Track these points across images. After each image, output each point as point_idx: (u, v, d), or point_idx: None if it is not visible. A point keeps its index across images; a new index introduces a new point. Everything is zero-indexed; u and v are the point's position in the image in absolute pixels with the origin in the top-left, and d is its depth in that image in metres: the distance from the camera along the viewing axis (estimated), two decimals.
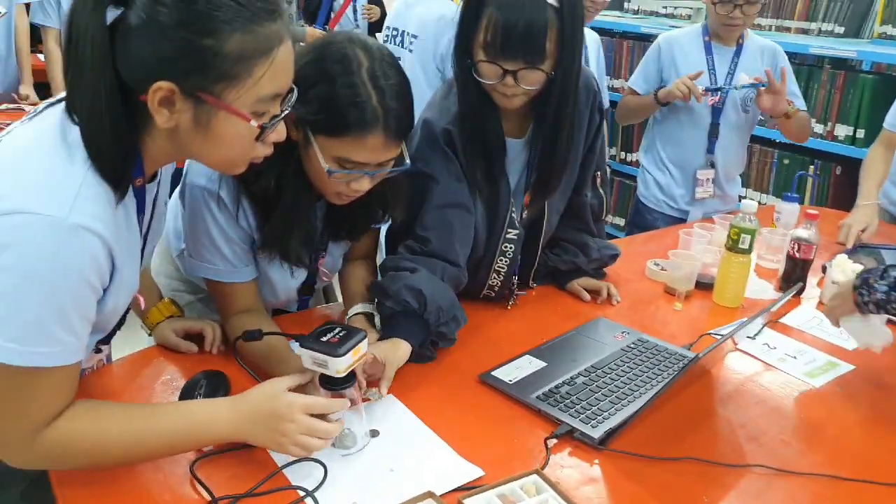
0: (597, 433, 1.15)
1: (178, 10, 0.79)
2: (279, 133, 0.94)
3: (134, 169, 0.90)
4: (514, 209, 1.46)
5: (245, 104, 0.86)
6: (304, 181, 1.17)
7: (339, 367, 1.03)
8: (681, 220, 2.49)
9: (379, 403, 1.20)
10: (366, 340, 1.08)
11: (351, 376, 1.08)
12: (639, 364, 1.38)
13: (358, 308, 1.34)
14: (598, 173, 1.62)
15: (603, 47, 2.89)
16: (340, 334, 1.05)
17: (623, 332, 1.51)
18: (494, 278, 1.53)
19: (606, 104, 2.73)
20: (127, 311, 1.09)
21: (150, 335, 1.33)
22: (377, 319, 1.34)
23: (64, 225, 0.79)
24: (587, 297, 1.66)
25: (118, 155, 0.85)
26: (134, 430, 0.94)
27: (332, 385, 1.06)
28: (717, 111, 2.39)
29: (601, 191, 1.65)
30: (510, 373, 1.32)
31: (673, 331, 1.57)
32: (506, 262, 1.51)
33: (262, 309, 1.32)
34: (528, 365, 1.36)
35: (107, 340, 1.15)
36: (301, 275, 1.35)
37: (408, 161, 1.20)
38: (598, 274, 1.73)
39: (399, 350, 1.23)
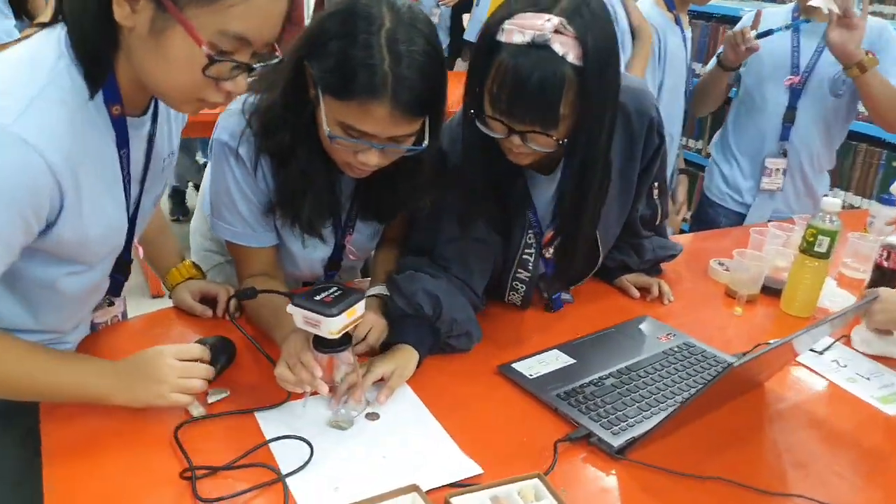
0: (616, 441, 1.04)
1: None
2: (237, 84, 0.86)
3: (107, 88, 0.87)
4: (528, 250, 1.32)
5: (205, 29, 0.80)
6: (318, 144, 1.11)
7: (331, 327, 0.96)
8: (744, 217, 2.27)
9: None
10: (363, 302, 1.01)
11: (346, 339, 1.02)
12: (679, 370, 1.24)
13: (374, 290, 1.27)
14: (656, 184, 1.47)
15: (696, 32, 2.67)
16: (336, 294, 0.99)
17: (669, 334, 1.37)
18: (513, 295, 1.41)
19: None
20: (129, 260, 1.08)
21: (169, 297, 1.31)
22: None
23: (6, 132, 0.78)
24: (636, 293, 1.53)
25: (99, 45, 0.83)
26: (25, 371, 0.94)
27: (326, 347, 1.01)
28: (795, 93, 2.11)
29: (657, 201, 1.50)
30: (532, 367, 1.22)
31: (728, 337, 1.42)
32: (518, 297, 1.39)
33: (279, 276, 1.28)
34: (554, 360, 1.25)
35: (116, 292, 1.14)
36: (322, 248, 1.30)
37: (425, 142, 1.09)
38: (652, 271, 1.59)
39: (409, 364, 1.13)
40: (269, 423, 1.03)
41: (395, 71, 0.98)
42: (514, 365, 1.22)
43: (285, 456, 0.97)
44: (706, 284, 1.64)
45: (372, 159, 1.06)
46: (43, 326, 1.03)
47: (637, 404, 1.13)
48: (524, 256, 1.33)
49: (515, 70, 1.00)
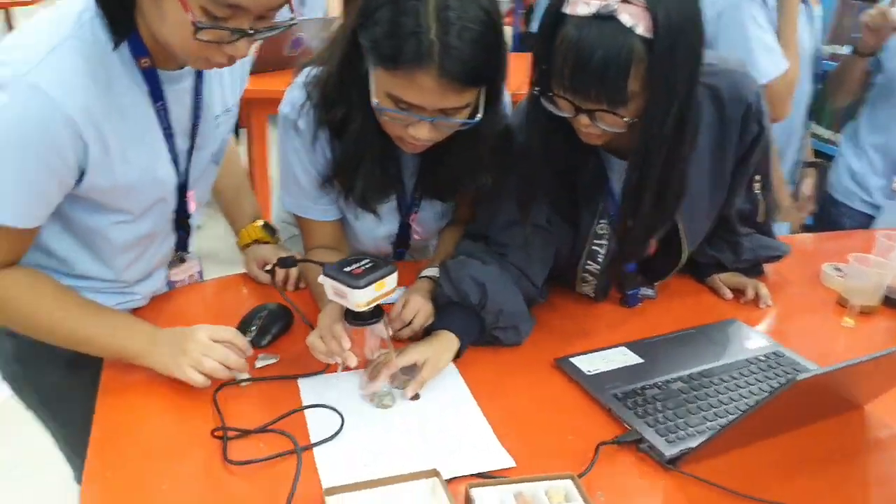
0: (670, 449, 0.95)
1: None
2: (237, 48, 0.87)
3: (131, 46, 0.91)
4: (598, 240, 1.22)
5: None
6: (373, 117, 1.08)
7: (358, 299, 0.95)
8: (871, 219, 2.01)
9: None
10: (394, 275, 0.98)
11: (377, 312, 1.00)
12: (760, 381, 1.11)
13: (427, 272, 1.23)
14: (758, 177, 1.32)
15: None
16: (367, 265, 0.97)
17: (758, 341, 1.23)
18: (584, 287, 1.32)
19: None
20: (187, 215, 1.13)
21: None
22: None
23: (23, 81, 0.82)
24: (728, 294, 1.39)
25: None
26: (61, 318, 0.99)
27: (356, 319, 0.99)
28: None
29: (758, 195, 1.35)
30: (593, 363, 1.14)
31: (831, 350, 1.26)
32: (589, 288, 1.30)
33: (343, 250, 1.28)
34: (619, 357, 1.16)
35: (183, 247, 1.19)
36: (385, 226, 1.29)
37: (479, 115, 1.04)
38: (751, 271, 1.44)
39: (444, 354, 1.09)
40: (310, 392, 1.04)
41: (442, 40, 0.93)
42: (572, 359, 1.15)
43: (319, 426, 0.97)
44: (816, 291, 1.46)
45: (422, 132, 1.03)
46: (106, 275, 1.09)
47: (703, 413, 1.03)
48: (594, 247, 1.24)
49: (579, 44, 0.93)
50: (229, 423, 0.95)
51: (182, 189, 1.10)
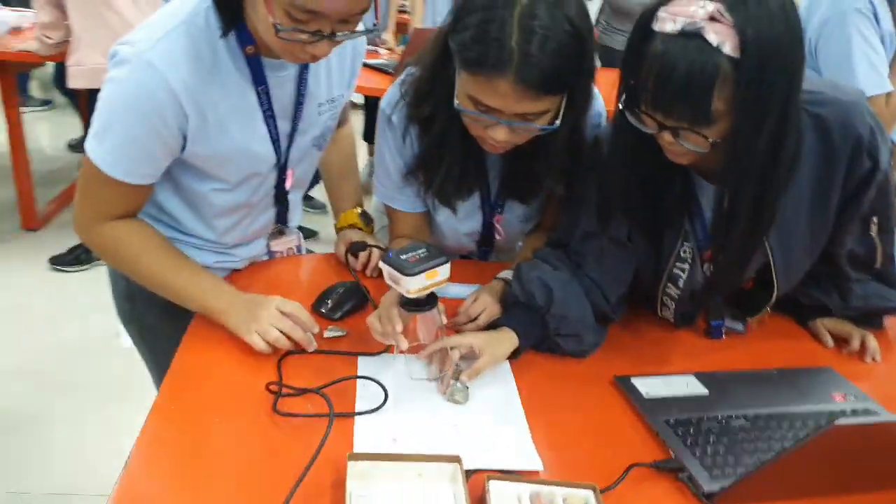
0: (710, 484, 0.90)
1: None
2: (318, 48, 0.96)
3: (241, 31, 1.02)
4: (680, 263, 1.18)
5: (278, 1, 0.91)
6: (457, 116, 1.13)
7: (409, 286, 0.99)
8: None
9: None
10: (447, 266, 1.01)
11: (431, 300, 1.03)
12: None
13: (502, 274, 1.25)
14: (875, 218, 1.21)
15: None
16: (422, 254, 1.01)
17: (849, 395, 1.13)
18: (664, 311, 1.27)
19: None
20: (285, 192, 1.24)
21: None
22: None
23: (141, 58, 0.97)
24: (830, 342, 1.28)
25: None
26: (160, 269, 1.12)
27: (408, 305, 1.03)
28: None
29: (875, 238, 1.23)
30: (654, 386, 1.10)
31: None
32: (669, 313, 1.25)
33: (424, 240, 1.33)
34: (683, 386, 1.12)
35: (282, 221, 1.31)
36: (467, 223, 1.33)
37: (558, 122, 1.06)
38: (865, 321, 1.31)
39: (502, 345, 1.10)
40: (366, 368, 1.09)
41: (522, 47, 0.97)
42: (633, 379, 1.12)
43: (366, 399, 1.02)
44: None
45: (500, 135, 1.07)
46: (208, 235, 1.23)
47: (759, 454, 0.96)
48: (675, 270, 1.20)
49: (663, 60, 0.91)
50: (288, 383, 1.03)
51: (282, 168, 1.21)
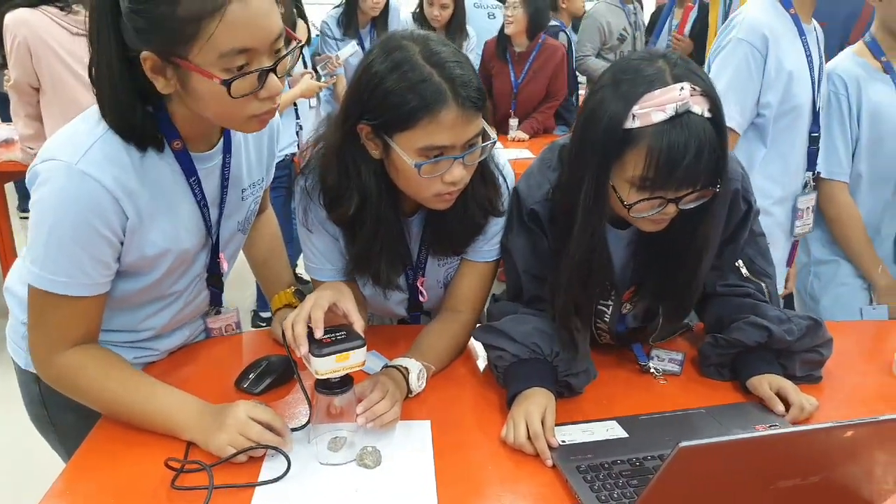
0: None
1: None
2: (269, 87, 0.96)
3: (163, 131, 1.03)
4: (603, 300, 1.25)
5: (209, 62, 0.90)
6: (388, 201, 1.16)
7: (317, 367, 0.99)
8: None
9: (413, 426, 1.11)
10: (362, 350, 1.01)
11: (346, 383, 1.02)
12: None
13: (397, 361, 1.19)
14: (738, 264, 1.27)
15: None
16: (338, 336, 1.01)
17: (773, 426, 1.10)
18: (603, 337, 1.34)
19: None
20: (218, 273, 1.24)
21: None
22: (413, 376, 1.16)
23: (73, 170, 0.97)
24: (781, 408, 1.14)
25: (130, 115, 0.98)
26: (119, 396, 1.07)
27: (322, 388, 1.02)
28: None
29: (755, 280, 1.27)
30: (570, 433, 1.08)
31: None
32: (607, 338, 1.32)
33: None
34: (603, 431, 1.10)
35: (217, 302, 1.31)
36: (395, 296, 1.34)
37: (494, 136, 1.12)
38: (803, 379, 1.23)
39: (551, 405, 1.10)
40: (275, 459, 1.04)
41: (444, 76, 1.04)
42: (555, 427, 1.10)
43: (272, 469, 1.01)
44: (882, 383, 1.27)
45: (457, 173, 1.10)
46: (129, 329, 1.21)
47: None
48: (600, 307, 1.26)
49: (668, 143, 1.00)
50: (195, 458, 1.02)
51: (214, 251, 1.22)
